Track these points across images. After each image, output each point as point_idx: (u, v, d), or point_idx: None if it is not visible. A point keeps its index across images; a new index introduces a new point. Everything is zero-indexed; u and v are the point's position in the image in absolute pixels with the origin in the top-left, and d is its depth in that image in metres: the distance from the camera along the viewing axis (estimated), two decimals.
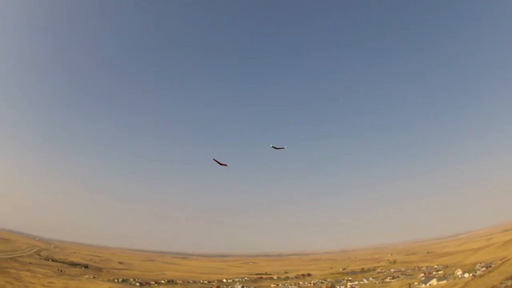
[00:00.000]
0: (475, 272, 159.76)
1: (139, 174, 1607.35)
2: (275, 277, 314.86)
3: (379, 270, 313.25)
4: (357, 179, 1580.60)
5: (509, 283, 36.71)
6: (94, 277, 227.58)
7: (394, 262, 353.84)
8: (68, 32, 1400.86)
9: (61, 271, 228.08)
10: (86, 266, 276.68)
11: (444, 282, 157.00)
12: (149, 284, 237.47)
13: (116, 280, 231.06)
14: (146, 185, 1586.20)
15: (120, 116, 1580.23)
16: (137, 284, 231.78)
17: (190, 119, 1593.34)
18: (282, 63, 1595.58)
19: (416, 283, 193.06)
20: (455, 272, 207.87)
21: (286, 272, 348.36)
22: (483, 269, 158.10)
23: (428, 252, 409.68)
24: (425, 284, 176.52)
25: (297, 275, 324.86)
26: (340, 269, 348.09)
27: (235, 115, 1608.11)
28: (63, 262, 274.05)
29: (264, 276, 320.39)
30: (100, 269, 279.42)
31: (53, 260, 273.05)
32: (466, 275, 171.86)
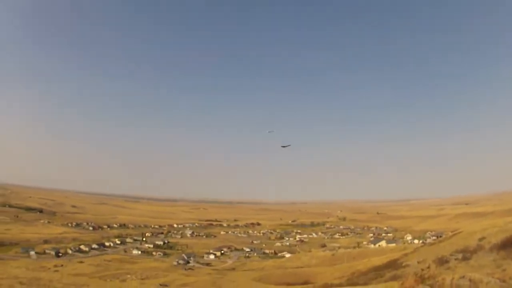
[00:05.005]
0: (425, 240, 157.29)
1: (91, 115, 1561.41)
2: (225, 225, 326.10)
3: (328, 226, 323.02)
4: (314, 136, 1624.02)
5: (459, 256, 37.17)
6: (49, 222, 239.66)
7: (344, 219, 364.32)
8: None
9: (17, 217, 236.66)
10: (41, 211, 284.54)
11: (394, 245, 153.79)
12: (102, 228, 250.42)
13: (70, 224, 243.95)
14: (99, 127, 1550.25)
15: None
16: (90, 228, 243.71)
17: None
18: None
19: (364, 243, 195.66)
20: (405, 236, 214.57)
21: (235, 220, 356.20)
22: (434, 238, 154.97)
23: (378, 213, 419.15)
24: (374, 244, 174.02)
25: (247, 223, 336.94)
26: (290, 221, 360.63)
27: None
28: (19, 207, 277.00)
29: (214, 223, 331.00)
30: (54, 213, 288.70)
31: (9, 206, 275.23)
32: (416, 241, 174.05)
